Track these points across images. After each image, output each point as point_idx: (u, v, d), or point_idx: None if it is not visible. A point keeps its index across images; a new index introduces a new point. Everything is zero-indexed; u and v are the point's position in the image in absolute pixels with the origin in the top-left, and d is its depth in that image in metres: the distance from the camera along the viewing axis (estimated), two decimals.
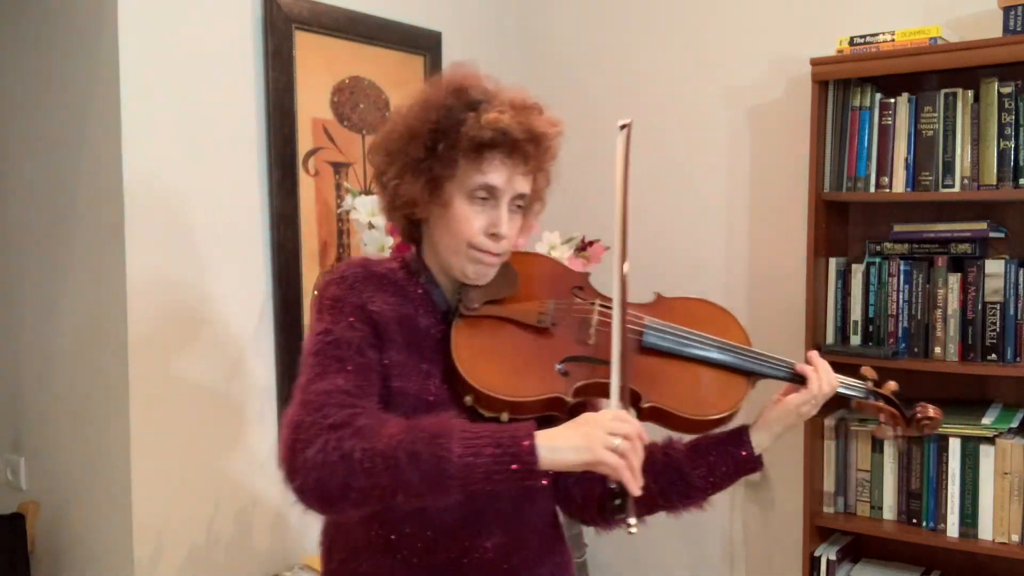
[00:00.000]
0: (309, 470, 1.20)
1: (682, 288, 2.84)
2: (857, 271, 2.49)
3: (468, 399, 1.35)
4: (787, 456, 2.77)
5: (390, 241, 2.32)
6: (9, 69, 2.39)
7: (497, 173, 1.37)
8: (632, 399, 1.37)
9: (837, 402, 2.59)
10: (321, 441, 1.20)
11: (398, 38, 2.78)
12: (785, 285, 2.73)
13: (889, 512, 2.46)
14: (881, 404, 1.52)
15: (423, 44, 2.88)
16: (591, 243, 2.55)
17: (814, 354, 1.50)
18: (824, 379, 1.46)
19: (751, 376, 1.46)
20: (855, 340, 2.49)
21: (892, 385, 1.53)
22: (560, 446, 1.20)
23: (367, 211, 2.20)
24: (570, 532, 2.93)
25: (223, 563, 2.36)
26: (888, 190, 2.41)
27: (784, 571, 2.82)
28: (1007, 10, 2.27)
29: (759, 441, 1.46)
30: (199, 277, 2.29)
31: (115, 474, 2.19)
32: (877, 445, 2.46)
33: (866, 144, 2.44)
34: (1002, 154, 2.27)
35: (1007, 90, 2.26)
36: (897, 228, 2.48)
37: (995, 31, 2.32)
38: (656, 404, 1.38)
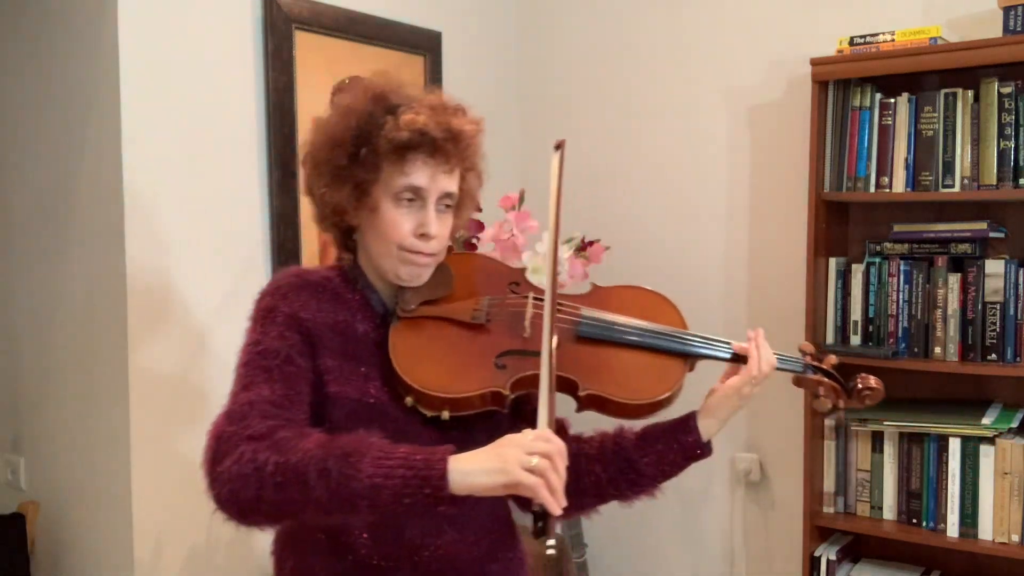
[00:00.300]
0: (225, 481, 1.20)
1: (682, 288, 2.85)
2: (857, 271, 2.49)
3: (409, 400, 1.36)
4: (787, 456, 2.78)
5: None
6: (9, 69, 2.39)
7: (420, 174, 1.38)
8: (569, 388, 1.39)
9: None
10: (238, 452, 1.21)
11: (398, 38, 2.78)
12: (785, 285, 2.73)
13: (889, 512, 2.46)
14: (820, 378, 1.52)
15: (423, 44, 2.88)
16: (591, 243, 2.55)
17: (759, 332, 1.50)
18: (764, 358, 1.46)
19: (688, 359, 1.46)
20: (855, 340, 2.49)
21: (832, 359, 1.54)
22: (474, 469, 1.18)
23: None
24: (570, 532, 2.94)
25: (223, 563, 2.36)
26: (888, 190, 2.41)
27: (784, 571, 2.82)
28: (1007, 10, 2.27)
29: (706, 427, 1.46)
30: (199, 277, 2.29)
31: (115, 474, 2.19)
32: (877, 445, 2.46)
33: (866, 144, 2.44)
34: (1002, 154, 2.27)
35: (1007, 90, 2.26)
36: (897, 228, 2.48)
37: (995, 31, 2.32)
38: (593, 392, 1.39)
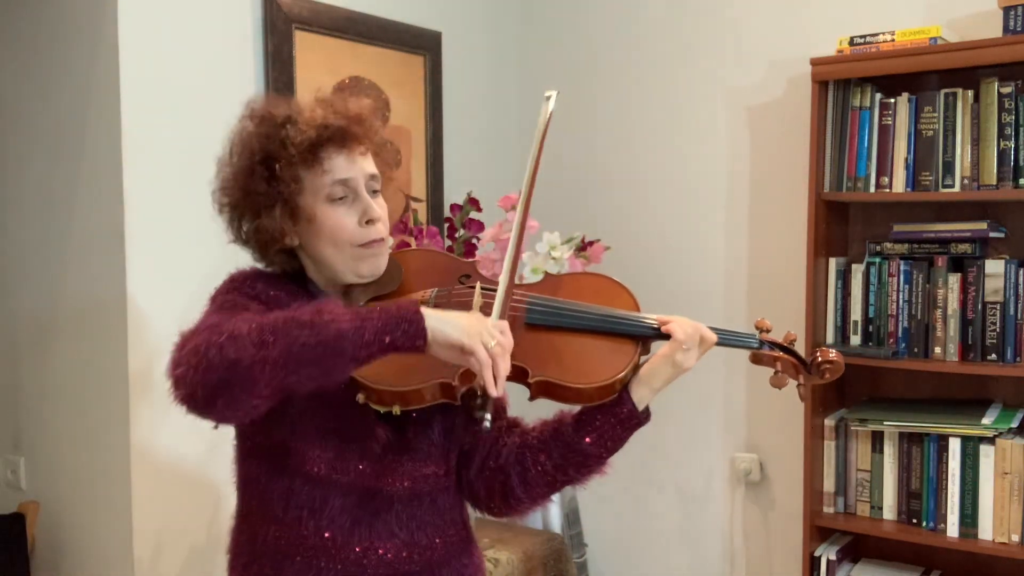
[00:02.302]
0: (191, 355, 1.16)
1: (682, 288, 2.85)
2: (857, 271, 2.49)
3: (360, 396, 1.35)
4: (787, 456, 2.78)
5: (390, 241, 2.32)
6: (9, 70, 2.39)
7: (340, 165, 1.38)
8: (520, 376, 1.38)
9: (837, 401, 2.60)
10: (207, 332, 1.18)
11: (398, 38, 2.78)
12: (785, 285, 2.73)
13: (889, 512, 2.46)
14: (777, 354, 1.49)
15: (423, 44, 2.87)
16: (591, 243, 2.55)
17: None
18: (683, 326, 1.42)
19: (639, 341, 1.44)
20: (855, 340, 2.49)
21: (791, 335, 1.51)
22: (447, 320, 1.22)
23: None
24: (571, 532, 2.95)
25: (223, 563, 2.35)
26: (888, 190, 2.42)
27: (784, 571, 2.82)
28: (1007, 10, 2.27)
29: (640, 396, 1.43)
30: (199, 277, 2.28)
31: (115, 474, 2.19)
32: (877, 445, 2.46)
33: (866, 144, 2.44)
34: (1002, 154, 2.27)
35: (1007, 90, 2.26)
36: (897, 228, 2.48)
37: (995, 31, 2.32)
38: (543, 378, 1.38)
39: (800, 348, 1.60)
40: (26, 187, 2.38)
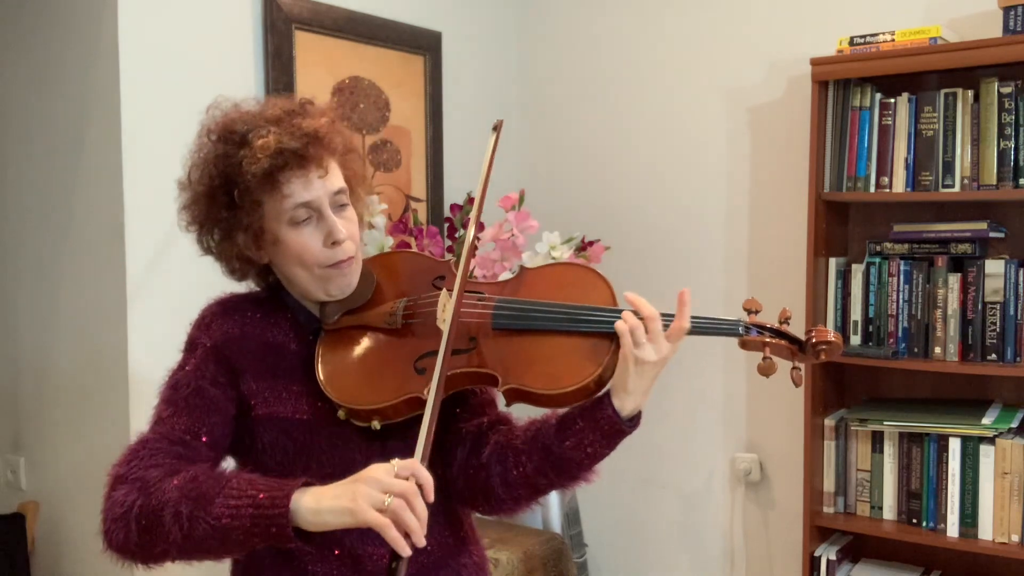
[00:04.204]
0: (106, 521, 1.25)
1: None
2: (857, 271, 2.49)
3: (340, 413, 1.35)
4: (787, 456, 2.78)
5: (390, 241, 2.32)
6: (9, 70, 2.39)
7: (300, 189, 1.34)
8: (491, 383, 1.34)
9: (837, 401, 2.60)
10: (119, 494, 1.24)
11: (398, 38, 2.78)
12: (785, 285, 2.73)
13: (889, 512, 2.46)
14: (766, 338, 1.35)
15: (423, 44, 2.88)
16: (591, 243, 2.55)
17: (632, 296, 1.35)
18: (622, 321, 1.29)
19: (614, 338, 1.31)
20: (855, 340, 2.48)
21: (786, 312, 1.37)
22: (323, 508, 1.17)
23: (367, 211, 2.20)
24: (571, 532, 2.94)
25: (223, 563, 2.35)
26: (888, 190, 2.41)
27: (784, 571, 2.82)
28: (1007, 10, 2.27)
29: (620, 401, 1.31)
30: (199, 277, 2.28)
31: None
32: (877, 445, 2.46)
33: (866, 144, 2.44)
34: (1002, 154, 2.27)
35: (1007, 90, 2.26)
36: (897, 228, 2.48)
37: (995, 31, 2.32)
38: (513, 385, 1.31)
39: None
40: (26, 187, 2.38)
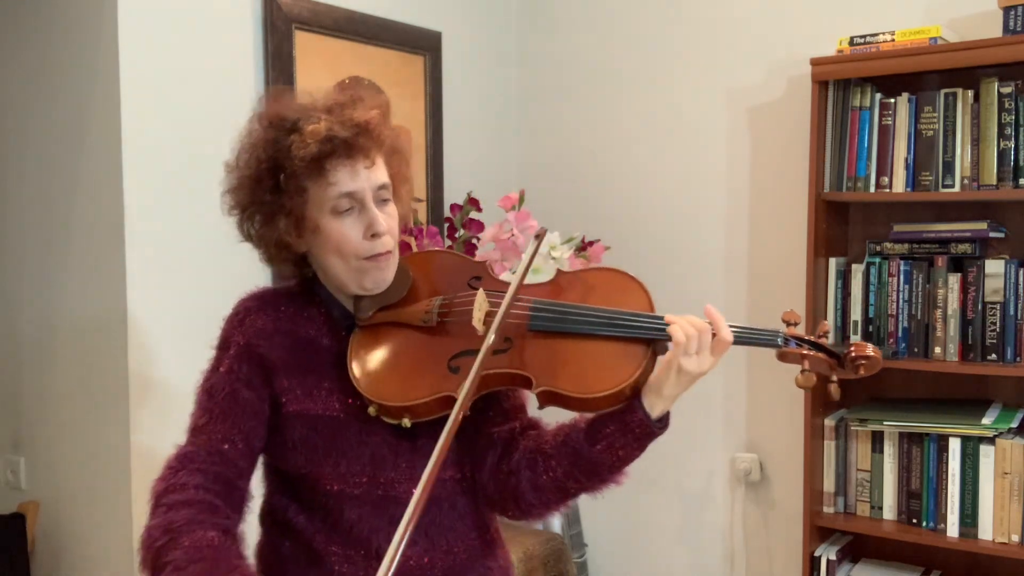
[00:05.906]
0: (141, 545, 1.27)
1: (682, 288, 2.85)
2: (857, 271, 2.49)
3: (372, 409, 1.35)
4: (787, 456, 2.78)
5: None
6: (9, 70, 2.39)
7: (346, 178, 1.35)
8: (525, 385, 1.34)
9: (837, 401, 2.60)
10: (154, 523, 1.27)
11: (398, 38, 2.78)
12: (785, 285, 2.73)
13: (889, 512, 2.46)
14: (805, 351, 1.35)
15: (423, 44, 2.88)
16: (591, 243, 2.55)
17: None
18: (684, 328, 1.31)
19: (650, 344, 1.34)
20: (855, 340, 2.48)
21: (824, 326, 1.39)
22: None
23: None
24: (571, 532, 2.95)
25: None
26: (888, 190, 2.41)
27: (784, 571, 2.82)
28: (1007, 10, 2.27)
29: (651, 403, 1.33)
30: (199, 277, 2.29)
31: (115, 474, 2.19)
32: (877, 445, 2.47)
33: (866, 144, 2.44)
34: (1002, 154, 2.27)
35: (1007, 90, 2.26)
36: (897, 228, 2.48)
37: (995, 31, 2.32)
38: (547, 388, 1.32)
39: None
40: (26, 187, 2.38)
